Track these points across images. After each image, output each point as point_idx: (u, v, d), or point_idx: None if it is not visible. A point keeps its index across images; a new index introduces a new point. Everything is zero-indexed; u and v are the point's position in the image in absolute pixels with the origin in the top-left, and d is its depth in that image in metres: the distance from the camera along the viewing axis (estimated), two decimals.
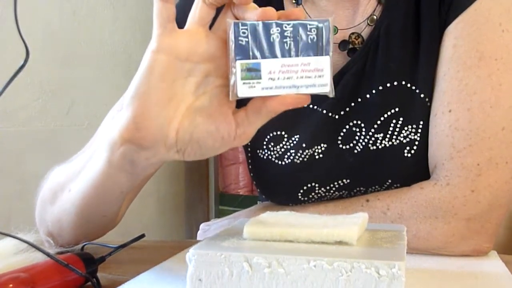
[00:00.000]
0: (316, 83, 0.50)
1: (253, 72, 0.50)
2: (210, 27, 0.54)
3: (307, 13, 0.79)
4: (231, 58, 0.50)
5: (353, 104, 0.76)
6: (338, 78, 0.76)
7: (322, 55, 0.50)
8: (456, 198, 0.69)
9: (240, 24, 0.49)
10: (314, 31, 0.50)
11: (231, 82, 0.50)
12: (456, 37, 0.71)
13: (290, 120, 0.78)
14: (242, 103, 0.53)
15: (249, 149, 0.83)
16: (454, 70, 0.71)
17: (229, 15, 0.53)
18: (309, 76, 0.50)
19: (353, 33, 0.77)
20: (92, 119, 1.78)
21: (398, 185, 0.75)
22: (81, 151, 0.79)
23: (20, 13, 0.62)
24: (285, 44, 0.50)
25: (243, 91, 0.50)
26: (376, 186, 0.76)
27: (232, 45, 0.50)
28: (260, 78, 0.50)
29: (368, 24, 0.77)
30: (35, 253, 0.59)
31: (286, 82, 0.50)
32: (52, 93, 1.74)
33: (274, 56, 0.50)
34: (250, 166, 0.84)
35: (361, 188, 0.76)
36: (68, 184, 0.68)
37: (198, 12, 0.53)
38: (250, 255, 0.48)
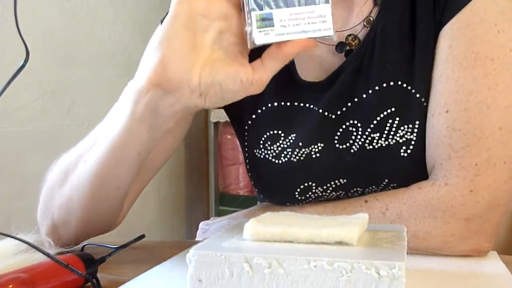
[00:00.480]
0: (321, 27, 0.58)
1: (266, 21, 0.57)
2: None
3: None
4: (247, 11, 0.57)
5: (349, 103, 0.76)
6: (334, 78, 0.77)
7: (324, 2, 0.57)
8: (455, 198, 0.69)
9: None
10: None
11: (248, 32, 0.57)
12: (452, 38, 0.71)
13: (286, 119, 0.79)
14: (254, 57, 0.60)
15: (246, 149, 0.83)
16: (450, 70, 0.71)
17: None
18: (315, 22, 0.57)
19: (349, 35, 0.78)
20: (92, 119, 1.77)
21: (395, 184, 0.75)
22: (81, 141, 0.79)
23: (20, 13, 0.62)
24: None
25: (259, 38, 0.57)
26: (373, 186, 0.76)
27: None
28: (273, 26, 0.57)
29: (364, 25, 0.77)
30: (35, 253, 0.59)
31: (295, 28, 0.57)
32: (52, 93, 1.74)
33: (283, 6, 0.57)
34: (247, 166, 0.85)
35: (358, 189, 0.77)
36: (83, 157, 0.70)
37: None
38: (250, 256, 0.48)
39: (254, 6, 0.57)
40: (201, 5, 0.58)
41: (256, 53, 0.60)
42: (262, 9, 0.57)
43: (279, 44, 0.58)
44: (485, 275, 0.62)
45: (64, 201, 0.72)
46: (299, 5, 0.57)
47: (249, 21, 0.57)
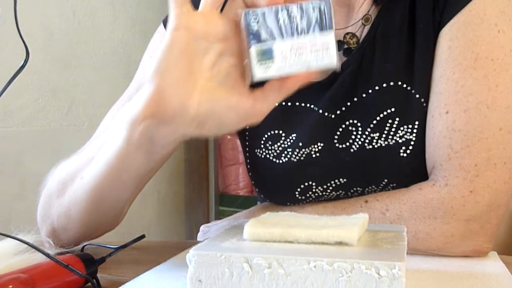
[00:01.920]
0: (324, 56, 0.55)
1: (267, 55, 0.54)
2: (221, 11, 0.58)
3: None
4: (245, 44, 0.55)
5: (349, 103, 0.76)
6: (333, 78, 0.76)
7: (327, 30, 0.55)
8: (455, 199, 0.69)
9: (250, 12, 0.54)
10: (316, 10, 0.55)
11: (247, 65, 0.55)
12: (451, 39, 0.71)
13: (287, 119, 0.79)
14: (256, 83, 0.57)
15: (247, 149, 0.83)
16: (450, 71, 0.71)
17: (237, 1, 0.57)
18: (318, 50, 0.55)
19: (348, 33, 0.77)
20: (92, 119, 1.78)
21: (394, 184, 0.75)
22: (82, 149, 0.79)
23: (20, 13, 0.62)
24: (293, 26, 0.55)
25: (259, 73, 0.54)
26: (373, 186, 0.76)
27: (245, 32, 0.54)
28: (273, 59, 0.54)
29: (362, 23, 0.77)
30: (35, 254, 0.59)
31: (297, 60, 0.55)
32: (52, 93, 1.74)
33: (284, 37, 0.54)
34: (248, 166, 0.85)
35: (358, 188, 0.77)
36: (80, 172, 0.69)
37: None
38: (250, 256, 0.48)
39: (253, 39, 0.54)
40: (200, 28, 0.55)
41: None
42: (262, 42, 0.54)
43: (282, 77, 0.55)
44: (485, 275, 0.62)
45: (63, 211, 0.71)
46: (301, 34, 0.54)
47: (248, 55, 0.54)
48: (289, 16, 0.54)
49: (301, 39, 0.54)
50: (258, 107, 0.57)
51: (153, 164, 0.64)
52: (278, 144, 0.79)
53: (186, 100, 0.55)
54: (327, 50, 0.55)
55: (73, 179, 0.70)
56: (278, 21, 0.54)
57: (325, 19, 0.55)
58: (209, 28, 0.56)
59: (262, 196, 0.86)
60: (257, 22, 0.54)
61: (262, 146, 0.80)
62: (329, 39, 0.55)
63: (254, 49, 0.54)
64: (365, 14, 0.77)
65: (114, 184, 0.66)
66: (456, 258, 0.69)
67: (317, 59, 0.55)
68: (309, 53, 0.55)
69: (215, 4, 0.57)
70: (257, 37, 0.54)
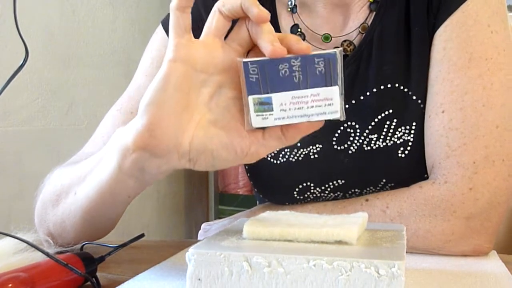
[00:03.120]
0: (326, 111, 0.52)
1: (265, 105, 0.52)
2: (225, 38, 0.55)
3: (301, 21, 0.80)
4: (243, 92, 0.52)
5: (347, 105, 0.76)
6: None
7: (331, 85, 0.51)
8: (455, 196, 0.69)
9: (249, 63, 0.51)
10: (321, 63, 0.51)
11: (246, 113, 0.53)
12: (446, 40, 0.72)
13: None
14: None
15: None
16: (445, 71, 0.72)
17: (243, 30, 0.54)
18: (319, 105, 0.52)
19: (345, 41, 0.78)
20: (92, 119, 1.78)
21: (392, 184, 0.75)
22: (82, 150, 0.79)
23: (20, 13, 0.62)
24: (294, 78, 0.51)
25: (257, 122, 0.52)
26: (371, 187, 0.76)
27: (243, 82, 0.52)
28: (272, 110, 0.52)
29: (359, 32, 0.78)
30: (34, 252, 0.59)
31: (297, 112, 0.52)
32: (52, 93, 1.74)
33: (284, 89, 0.51)
34: (246, 167, 0.85)
35: (356, 190, 0.77)
36: (74, 188, 0.68)
37: (214, 23, 0.54)
38: (249, 255, 0.48)
39: (252, 89, 0.52)
40: (199, 58, 0.53)
41: None
42: (261, 93, 0.51)
43: (283, 126, 0.53)
44: (485, 275, 0.62)
45: (58, 221, 0.71)
46: (303, 87, 0.51)
47: (246, 102, 0.52)
48: (291, 68, 0.51)
49: (302, 92, 0.51)
50: (254, 149, 0.54)
51: (143, 189, 0.64)
52: None
53: (178, 135, 0.53)
54: (330, 104, 0.52)
55: (67, 193, 0.69)
56: (278, 72, 0.51)
57: (330, 73, 0.51)
58: (209, 60, 0.54)
59: (261, 196, 0.86)
60: (256, 73, 0.51)
61: None
62: (333, 94, 0.52)
63: (251, 99, 0.52)
64: (362, 23, 0.78)
65: (105, 205, 0.66)
66: (456, 257, 0.69)
67: (318, 112, 0.52)
68: (310, 106, 0.52)
69: (219, 32, 0.54)
70: (255, 88, 0.52)
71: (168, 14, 0.84)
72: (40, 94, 1.71)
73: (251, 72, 0.51)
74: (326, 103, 0.52)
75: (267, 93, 0.51)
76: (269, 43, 0.51)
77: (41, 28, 1.70)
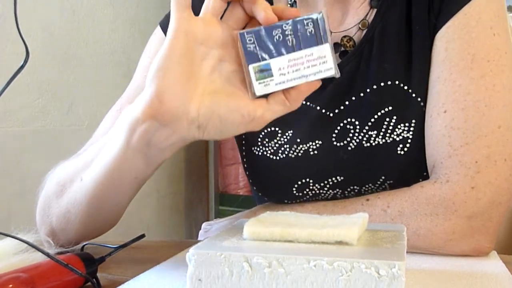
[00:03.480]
0: (322, 69, 0.56)
1: (265, 72, 0.56)
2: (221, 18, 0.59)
3: None
4: (243, 63, 0.56)
5: (347, 102, 0.77)
6: (331, 77, 0.77)
7: (322, 43, 0.56)
8: (456, 195, 0.69)
9: (245, 33, 0.55)
10: (310, 24, 0.56)
11: (248, 82, 0.56)
12: (448, 41, 0.72)
13: (284, 116, 0.79)
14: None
15: (243, 147, 0.84)
16: (447, 72, 0.72)
17: (237, 9, 0.58)
18: (315, 64, 0.56)
19: (344, 36, 0.79)
20: (92, 119, 1.78)
21: (391, 181, 0.76)
22: (82, 149, 0.79)
23: (20, 13, 0.62)
24: (288, 41, 0.55)
25: (259, 90, 0.56)
26: (370, 184, 0.76)
27: (241, 52, 0.56)
28: (272, 75, 0.56)
29: (360, 28, 0.78)
30: (35, 253, 0.59)
31: (295, 74, 0.56)
32: (52, 93, 1.74)
33: (280, 54, 0.55)
34: (245, 165, 0.85)
35: (355, 187, 0.77)
36: (79, 174, 0.69)
37: (211, 3, 0.58)
38: (250, 255, 0.48)
39: (251, 58, 0.55)
40: (199, 32, 0.56)
41: None
42: (259, 61, 0.55)
43: (285, 90, 0.56)
44: (485, 275, 0.62)
45: (62, 212, 0.71)
46: (297, 49, 0.55)
47: (248, 73, 0.56)
48: (284, 33, 0.55)
49: (297, 54, 0.55)
50: (260, 113, 0.57)
51: (150, 170, 0.64)
52: (275, 141, 0.80)
53: (186, 102, 0.55)
54: (324, 62, 0.56)
55: (72, 181, 0.70)
56: (273, 38, 0.55)
57: (320, 33, 0.55)
58: (209, 34, 0.57)
59: (260, 194, 0.86)
60: (253, 42, 0.55)
61: (259, 143, 0.81)
62: (325, 51, 0.56)
63: (252, 68, 0.55)
64: (362, 19, 0.78)
65: (113, 188, 0.66)
66: (456, 257, 0.69)
67: (315, 71, 0.56)
68: (306, 67, 0.56)
69: (215, 11, 0.58)
70: (254, 57, 0.55)
71: (166, 15, 0.85)
72: (40, 94, 1.71)
73: (248, 41, 0.55)
74: (320, 61, 0.56)
75: (265, 59, 0.55)
76: (263, 10, 0.55)
77: (41, 28, 1.70)
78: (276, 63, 0.55)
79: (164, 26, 0.83)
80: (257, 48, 0.55)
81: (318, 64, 0.56)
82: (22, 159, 1.66)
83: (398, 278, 0.45)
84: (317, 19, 0.55)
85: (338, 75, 0.57)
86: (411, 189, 0.72)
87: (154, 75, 0.55)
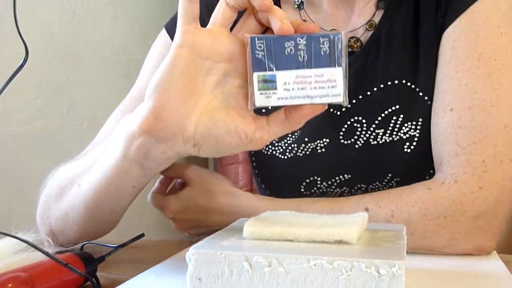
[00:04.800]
0: (330, 93, 0.52)
1: (269, 83, 0.52)
2: (231, 29, 0.56)
3: (308, 17, 0.81)
4: (249, 69, 0.53)
5: (354, 101, 0.78)
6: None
7: (335, 66, 0.52)
8: (465, 195, 0.69)
9: (256, 39, 0.52)
10: (326, 43, 0.52)
11: (250, 92, 0.53)
12: (455, 40, 0.72)
13: None
14: (262, 112, 0.56)
15: None
16: (453, 71, 0.72)
17: (251, 19, 0.56)
18: (323, 87, 0.52)
19: (352, 37, 0.79)
20: (92, 119, 1.78)
21: (398, 179, 0.76)
22: (85, 151, 0.79)
23: (20, 13, 0.62)
24: (299, 57, 0.52)
25: (260, 101, 0.53)
26: (377, 182, 0.77)
27: (249, 58, 0.53)
28: (275, 88, 0.52)
29: (367, 29, 0.78)
30: (34, 252, 0.59)
31: (300, 92, 0.52)
32: (52, 93, 1.74)
33: (288, 68, 0.52)
34: (253, 164, 0.86)
35: (362, 185, 0.78)
36: (78, 179, 0.68)
37: (221, 13, 0.55)
38: (250, 254, 0.48)
39: (257, 66, 0.52)
40: (205, 46, 0.54)
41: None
42: (266, 70, 0.52)
43: (287, 110, 0.54)
44: (485, 274, 0.62)
45: (61, 215, 0.71)
46: (307, 67, 0.52)
47: (251, 81, 0.53)
48: (296, 46, 0.52)
49: (306, 71, 0.52)
50: (259, 135, 0.55)
51: (148, 179, 0.64)
52: (285, 140, 0.81)
53: (184, 119, 0.54)
54: (334, 86, 0.52)
55: (71, 185, 0.70)
56: (284, 50, 0.52)
57: (335, 54, 0.52)
58: (215, 48, 0.55)
59: (267, 191, 0.86)
60: (263, 49, 0.52)
61: (269, 143, 0.81)
62: (337, 75, 0.52)
63: (256, 76, 0.53)
64: (369, 20, 0.78)
65: (110, 196, 0.66)
66: (456, 257, 0.69)
67: (321, 94, 0.52)
68: (313, 87, 0.52)
69: (225, 22, 0.56)
70: (260, 65, 0.52)
71: (171, 18, 0.85)
72: (40, 94, 1.71)
73: (258, 48, 0.52)
74: (329, 85, 0.52)
75: (272, 70, 0.52)
76: (279, 20, 0.52)
77: (41, 28, 1.70)
78: (282, 76, 0.52)
79: (170, 28, 0.83)
80: (266, 57, 0.52)
81: (327, 87, 0.52)
82: (22, 159, 1.66)
83: (398, 277, 0.45)
84: (334, 38, 0.52)
85: (346, 104, 0.53)
86: (416, 193, 0.70)
87: (153, 90, 0.54)
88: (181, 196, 0.76)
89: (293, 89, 0.52)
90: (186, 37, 0.54)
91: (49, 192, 0.73)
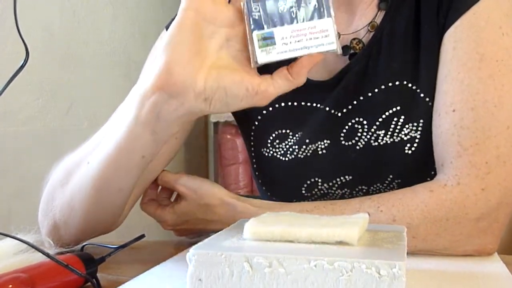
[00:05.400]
0: (324, 42, 0.58)
1: (268, 40, 0.58)
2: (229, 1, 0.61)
3: None
4: (248, 30, 0.58)
5: (355, 102, 0.77)
6: (340, 77, 0.78)
7: (325, 17, 0.58)
8: (468, 197, 0.68)
9: (252, 1, 0.58)
10: None
11: (251, 51, 0.59)
12: (456, 40, 0.72)
13: (294, 118, 0.81)
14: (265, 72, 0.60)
15: (252, 148, 0.85)
16: (455, 71, 0.72)
17: None
18: (317, 37, 0.58)
19: (354, 39, 0.79)
20: (92, 119, 1.78)
21: (399, 181, 0.76)
22: (84, 144, 0.79)
23: (20, 13, 0.62)
24: (292, 13, 0.58)
25: (261, 57, 0.58)
26: (378, 184, 0.76)
27: (247, 19, 0.59)
28: (274, 44, 0.58)
29: (369, 30, 0.78)
30: (34, 253, 0.59)
31: (297, 44, 0.58)
32: (52, 93, 1.74)
33: (284, 23, 0.58)
34: (254, 165, 0.86)
35: (363, 187, 0.77)
36: (86, 158, 0.70)
37: None
38: (250, 255, 0.48)
39: (255, 26, 0.58)
40: (208, 11, 0.59)
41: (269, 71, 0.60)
42: (263, 28, 0.58)
43: (288, 67, 0.59)
44: (485, 275, 0.62)
45: (66, 201, 0.72)
46: (300, 21, 0.58)
47: (251, 40, 0.58)
48: (289, 4, 0.58)
49: (300, 25, 0.58)
50: (264, 88, 0.59)
51: (157, 147, 0.66)
52: (286, 142, 0.81)
53: (193, 75, 0.58)
54: (326, 36, 0.58)
55: (79, 165, 0.71)
56: (278, 9, 0.58)
57: (323, 7, 0.58)
58: (217, 14, 0.59)
59: (268, 194, 0.86)
60: (258, 10, 0.58)
61: (269, 145, 0.82)
62: (328, 25, 0.58)
63: (256, 35, 0.58)
64: (371, 21, 0.78)
65: (119, 168, 0.67)
66: (457, 258, 0.69)
67: (317, 44, 0.58)
68: (308, 38, 0.58)
69: None
70: (258, 24, 0.58)
71: (172, 19, 0.85)
72: (40, 94, 1.71)
73: (254, 10, 0.58)
74: (322, 34, 0.58)
75: (269, 28, 0.58)
76: None
77: (41, 28, 1.70)
78: (279, 32, 0.58)
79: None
80: (262, 16, 0.58)
81: (320, 37, 0.58)
82: (21, 159, 1.66)
83: (398, 278, 0.45)
84: None
85: (339, 52, 0.59)
86: (418, 195, 0.69)
87: (164, 48, 0.58)
88: (177, 210, 0.78)
89: (290, 42, 0.58)
90: (191, 1, 0.58)
91: (53, 181, 0.74)
